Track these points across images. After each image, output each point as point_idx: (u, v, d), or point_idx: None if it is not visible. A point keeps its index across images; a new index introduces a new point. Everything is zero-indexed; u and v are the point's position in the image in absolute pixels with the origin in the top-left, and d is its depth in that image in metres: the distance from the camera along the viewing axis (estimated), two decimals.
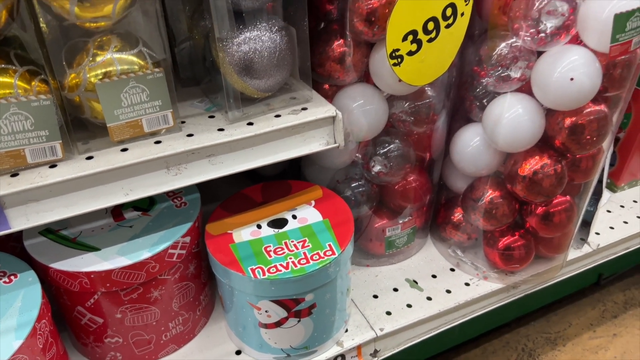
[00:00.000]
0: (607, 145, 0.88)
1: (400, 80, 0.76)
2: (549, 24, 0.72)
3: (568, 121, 0.80)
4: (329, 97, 0.86)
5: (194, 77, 0.83)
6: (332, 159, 0.91)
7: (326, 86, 0.86)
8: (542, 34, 0.73)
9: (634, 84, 0.82)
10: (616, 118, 0.87)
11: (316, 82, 0.84)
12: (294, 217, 0.80)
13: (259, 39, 0.70)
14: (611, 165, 1.19)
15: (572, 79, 0.73)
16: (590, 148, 0.82)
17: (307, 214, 0.81)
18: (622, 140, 1.15)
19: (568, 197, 0.91)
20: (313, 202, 0.83)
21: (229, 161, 0.71)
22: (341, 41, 0.79)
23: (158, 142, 0.68)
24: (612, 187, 1.21)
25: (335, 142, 0.77)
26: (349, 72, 0.81)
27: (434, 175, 0.99)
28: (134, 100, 0.65)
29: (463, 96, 0.90)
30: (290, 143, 0.74)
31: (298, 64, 0.77)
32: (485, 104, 0.86)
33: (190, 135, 0.70)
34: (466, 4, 0.74)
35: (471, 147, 0.89)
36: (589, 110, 0.79)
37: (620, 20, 0.67)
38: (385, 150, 0.88)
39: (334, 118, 0.75)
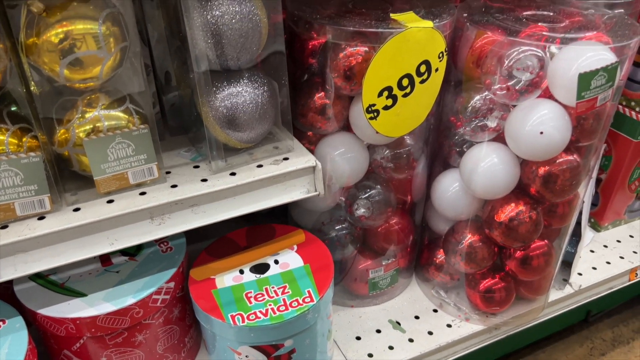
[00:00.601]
0: (583, 190, 0.91)
1: (377, 132, 0.79)
2: (519, 81, 0.75)
3: (542, 170, 0.83)
4: (313, 143, 0.89)
5: (182, 125, 0.87)
6: (316, 203, 0.93)
7: (309, 133, 0.89)
8: (513, 90, 0.76)
9: (605, 133, 0.85)
10: (593, 163, 0.89)
11: (300, 130, 0.87)
12: (276, 262, 0.83)
13: (241, 95, 0.74)
14: (594, 205, 1.21)
15: (541, 133, 0.76)
16: (565, 195, 0.85)
17: (288, 259, 0.83)
18: (604, 181, 1.18)
19: (546, 241, 0.93)
20: (295, 247, 0.86)
21: (212, 210, 0.74)
22: (322, 93, 0.82)
23: (143, 193, 0.71)
24: (596, 227, 1.23)
25: (315, 191, 0.80)
26: (330, 122, 0.84)
27: (416, 217, 1.02)
28: (120, 154, 0.69)
29: (442, 143, 0.93)
30: (272, 192, 0.77)
31: (280, 115, 0.80)
32: (465, 149, 0.89)
33: (174, 186, 0.73)
34: (440, 60, 0.78)
35: (450, 192, 0.92)
36: (561, 160, 0.82)
37: (585, 79, 0.71)
38: (367, 195, 0.91)
39: (314, 168, 0.78)
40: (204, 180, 0.74)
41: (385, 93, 0.76)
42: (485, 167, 0.83)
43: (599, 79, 0.71)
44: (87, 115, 0.67)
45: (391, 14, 0.76)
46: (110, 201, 0.70)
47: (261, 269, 0.82)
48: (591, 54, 0.71)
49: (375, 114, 0.77)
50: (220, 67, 0.72)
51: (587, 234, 1.19)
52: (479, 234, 0.92)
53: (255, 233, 0.89)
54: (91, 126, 0.67)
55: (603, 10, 0.85)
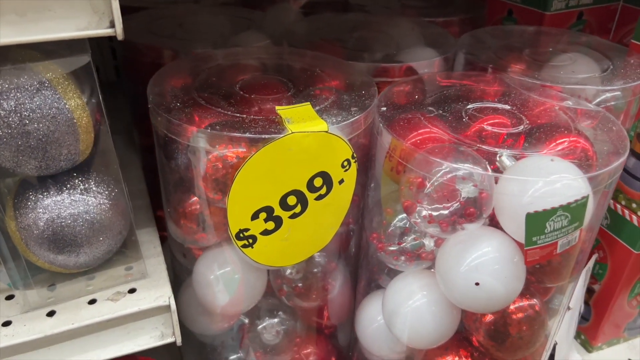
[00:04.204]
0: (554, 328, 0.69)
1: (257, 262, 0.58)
2: (445, 211, 0.53)
3: (487, 319, 0.60)
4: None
5: None
6: (203, 325, 0.73)
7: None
8: (437, 222, 0.54)
9: (579, 269, 0.63)
10: (570, 291, 0.67)
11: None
12: None
13: (63, 207, 0.54)
14: (585, 319, 0.97)
15: (477, 284, 0.53)
16: (520, 354, 0.62)
17: None
18: (597, 293, 0.94)
19: None
20: None
21: None
22: (196, 198, 0.62)
23: None
24: (587, 346, 0.98)
25: (172, 336, 0.59)
26: (209, 234, 0.64)
27: (341, 340, 0.80)
28: None
29: (368, 257, 0.71)
30: (108, 338, 0.57)
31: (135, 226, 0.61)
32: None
33: None
34: (346, 170, 0.57)
35: (378, 323, 0.70)
36: (514, 307, 0.60)
37: (536, 221, 0.48)
38: (264, 325, 0.69)
39: (168, 307, 0.58)
40: (7, 323, 0.55)
41: (263, 215, 0.55)
42: (411, 308, 0.61)
43: (558, 221, 0.49)
44: None
45: (277, 107, 0.56)
46: None
47: None
48: (547, 183, 0.49)
49: (251, 240, 0.56)
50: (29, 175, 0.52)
51: (574, 358, 0.95)
52: None
53: None
54: None
55: (584, 104, 0.62)
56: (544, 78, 0.68)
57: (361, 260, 0.71)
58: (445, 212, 0.53)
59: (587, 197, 0.49)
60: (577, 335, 0.99)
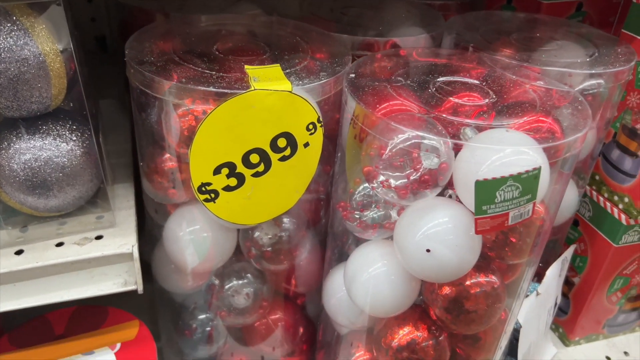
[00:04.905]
0: (514, 309, 0.69)
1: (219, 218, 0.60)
2: (401, 177, 0.54)
3: (445, 291, 0.61)
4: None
5: None
6: (174, 283, 0.75)
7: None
8: (392, 187, 0.55)
9: (539, 251, 0.63)
10: (528, 273, 0.67)
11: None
12: None
13: (34, 148, 0.56)
14: (563, 312, 0.97)
15: (428, 251, 0.54)
16: (475, 328, 0.63)
17: None
18: (576, 286, 0.93)
19: None
20: (119, 345, 0.67)
21: None
22: (168, 155, 0.64)
23: None
24: (564, 340, 0.98)
25: (134, 284, 0.61)
26: (179, 190, 0.65)
27: (311, 309, 0.81)
28: None
29: (337, 226, 0.72)
30: (72, 280, 0.60)
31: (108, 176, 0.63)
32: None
33: None
34: (311, 133, 0.58)
35: (343, 292, 0.71)
36: (470, 282, 0.60)
37: (485, 189, 0.49)
38: (231, 285, 0.71)
39: (132, 255, 0.60)
40: None
41: (225, 170, 0.57)
42: (371, 276, 0.62)
43: (509, 191, 0.49)
44: None
45: (246, 66, 0.57)
46: None
47: None
48: (502, 154, 0.50)
49: (213, 195, 0.58)
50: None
51: (549, 348, 0.95)
52: (371, 352, 0.71)
53: (81, 316, 0.71)
54: None
55: (557, 85, 0.62)
56: (524, 60, 0.68)
57: (329, 229, 0.72)
58: (403, 179, 0.54)
59: (538, 169, 0.49)
60: (555, 328, 0.99)
